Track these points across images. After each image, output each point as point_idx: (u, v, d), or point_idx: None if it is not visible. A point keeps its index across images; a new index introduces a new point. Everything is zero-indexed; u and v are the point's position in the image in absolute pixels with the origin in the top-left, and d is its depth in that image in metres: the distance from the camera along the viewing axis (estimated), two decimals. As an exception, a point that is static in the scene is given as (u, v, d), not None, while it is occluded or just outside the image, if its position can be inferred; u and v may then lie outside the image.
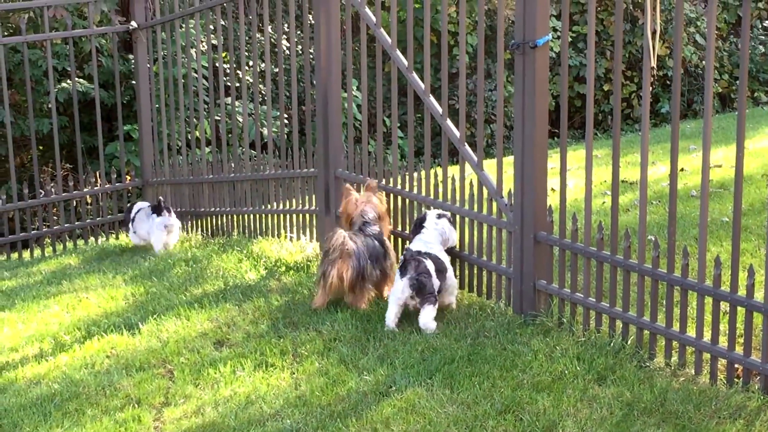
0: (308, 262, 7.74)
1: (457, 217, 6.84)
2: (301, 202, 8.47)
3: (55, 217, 10.34)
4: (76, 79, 11.00)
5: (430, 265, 6.24)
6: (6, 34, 11.25)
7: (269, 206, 8.83)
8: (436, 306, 6.21)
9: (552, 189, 6.27)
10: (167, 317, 6.81)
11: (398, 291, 6.24)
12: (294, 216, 8.55)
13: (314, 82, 8.14)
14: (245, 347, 6.17)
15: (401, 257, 6.41)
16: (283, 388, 5.58)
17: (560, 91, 6.11)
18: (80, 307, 7.35)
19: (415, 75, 7.17)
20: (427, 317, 6.15)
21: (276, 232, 8.73)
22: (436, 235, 6.56)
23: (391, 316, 6.27)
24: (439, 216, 6.63)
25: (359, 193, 7.12)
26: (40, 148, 11.36)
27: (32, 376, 6.06)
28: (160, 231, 9.12)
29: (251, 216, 9.02)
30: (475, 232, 6.72)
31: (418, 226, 6.63)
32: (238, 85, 9.33)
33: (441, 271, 6.33)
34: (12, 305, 7.61)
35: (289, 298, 6.95)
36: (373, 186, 7.12)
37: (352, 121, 7.91)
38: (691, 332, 5.36)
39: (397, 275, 6.34)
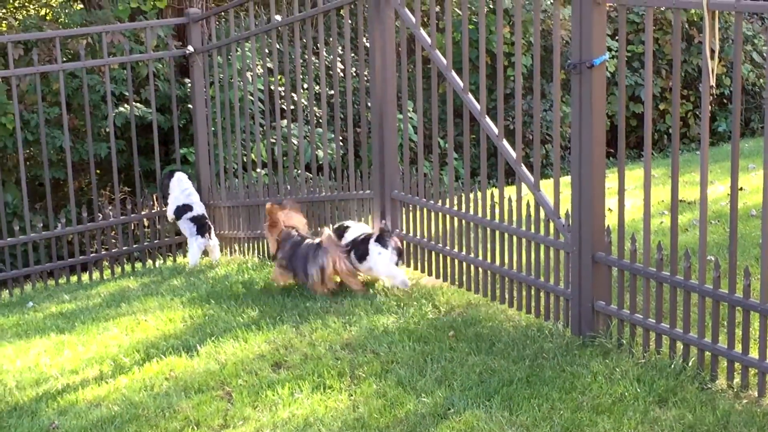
0: (366, 284, 7.74)
1: (514, 237, 6.82)
2: (357, 223, 8.47)
3: (113, 240, 10.44)
4: (134, 103, 11.09)
5: None
6: (65, 59, 11.38)
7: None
8: None
9: (609, 209, 6.25)
10: (225, 339, 6.83)
11: (387, 258, 7.57)
12: (350, 238, 8.55)
13: (369, 103, 8.16)
14: (303, 369, 6.17)
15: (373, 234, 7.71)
16: (341, 411, 5.58)
17: (618, 111, 6.08)
18: (139, 330, 7.39)
19: (470, 96, 7.17)
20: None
21: (332, 254, 8.73)
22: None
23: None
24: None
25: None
26: (98, 171, 11.47)
27: (92, 398, 6.11)
28: (198, 250, 9.56)
29: (307, 238, 9.03)
30: (532, 253, 6.69)
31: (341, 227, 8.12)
32: (293, 107, 9.37)
33: None
34: (72, 328, 7.68)
35: (346, 320, 6.95)
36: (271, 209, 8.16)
37: (407, 143, 7.91)
38: (754, 353, 5.29)
39: (377, 247, 7.59)
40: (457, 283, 7.42)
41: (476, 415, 5.30)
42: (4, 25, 14.73)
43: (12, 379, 6.60)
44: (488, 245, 7.08)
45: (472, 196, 7.24)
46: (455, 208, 7.38)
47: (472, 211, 7.21)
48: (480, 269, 7.18)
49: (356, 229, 8.04)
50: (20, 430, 5.73)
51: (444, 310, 7.04)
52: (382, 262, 7.64)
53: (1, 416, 5.98)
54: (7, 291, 9.72)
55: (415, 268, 7.89)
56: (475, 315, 6.84)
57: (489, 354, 6.17)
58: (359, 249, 7.78)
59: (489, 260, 7.09)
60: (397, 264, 7.65)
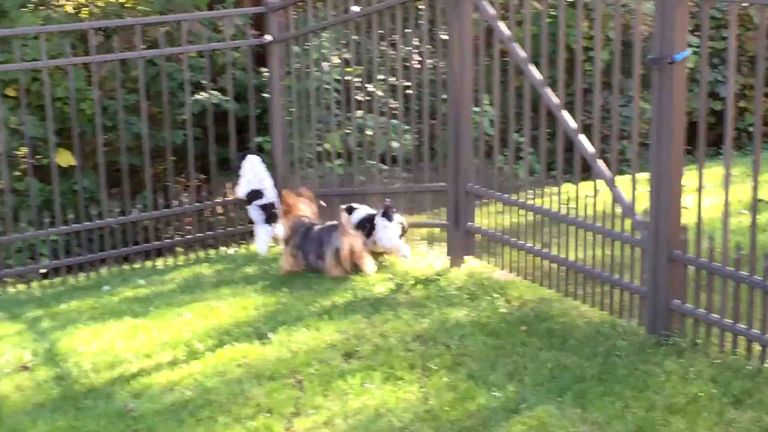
0: (437, 277, 7.73)
1: (589, 233, 6.77)
2: (431, 216, 8.47)
3: (187, 227, 10.53)
4: (211, 91, 11.17)
5: None
6: (144, 47, 11.50)
7: (399, 219, 8.84)
8: None
9: (685, 207, 6.18)
10: (297, 328, 6.87)
11: (391, 230, 8.31)
12: (423, 229, 8.55)
13: (446, 96, 8.15)
14: (374, 360, 6.19)
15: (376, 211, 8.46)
16: (412, 402, 5.59)
17: (699, 107, 6.00)
18: (212, 316, 7.46)
19: (548, 90, 7.12)
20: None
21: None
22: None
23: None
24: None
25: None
26: (174, 158, 11.56)
27: (166, 383, 6.18)
28: (266, 237, 9.55)
29: (380, 229, 9.04)
30: (607, 250, 6.64)
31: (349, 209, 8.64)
32: (368, 98, 9.39)
33: None
34: (146, 312, 7.77)
35: (417, 312, 6.95)
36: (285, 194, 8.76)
37: (483, 136, 7.88)
38: (834, 357, 5.21)
39: (382, 220, 8.32)
40: (530, 277, 7.39)
41: (548, 410, 5.28)
42: (85, 11, 14.93)
43: (88, 361, 6.69)
44: (562, 240, 7.04)
45: (547, 190, 7.20)
46: (530, 202, 7.35)
47: (546, 206, 7.17)
48: (554, 264, 7.14)
49: (362, 210, 8.66)
50: (96, 412, 5.82)
51: (516, 304, 7.02)
52: (386, 235, 8.34)
53: (77, 397, 6.08)
54: (84, 274, 9.86)
55: (488, 262, 7.87)
56: (547, 310, 6.81)
57: (561, 350, 6.14)
58: (366, 227, 8.45)
59: (563, 255, 7.05)
60: (400, 237, 8.34)
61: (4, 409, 6.05)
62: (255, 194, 9.84)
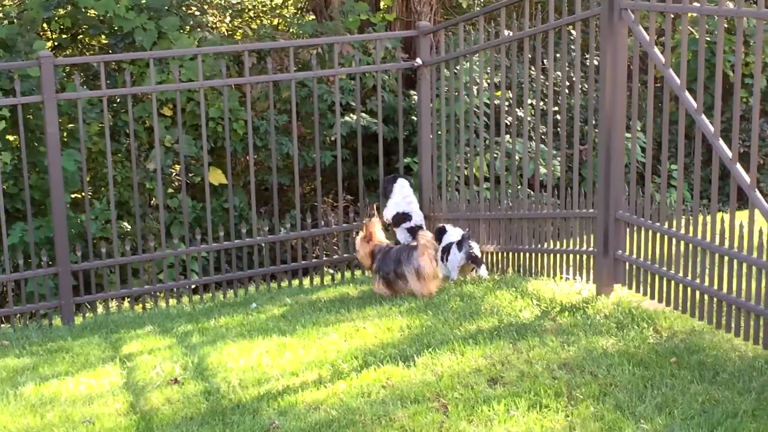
0: (584, 304, 7.63)
1: (744, 264, 6.59)
2: (578, 242, 8.37)
3: (334, 247, 10.64)
4: (360, 113, 11.29)
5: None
6: (296, 69, 11.69)
7: (545, 245, 8.77)
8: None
9: None
10: (442, 351, 6.86)
11: (457, 260, 9.00)
12: (570, 256, 8.45)
13: (596, 121, 8.05)
14: (519, 386, 6.13)
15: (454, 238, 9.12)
16: (557, 431, 5.51)
17: None
18: (357, 336, 7.50)
19: (703, 117, 6.97)
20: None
21: (551, 272, 8.65)
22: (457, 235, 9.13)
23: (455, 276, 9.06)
24: (454, 226, 9.40)
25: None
26: (322, 179, 11.72)
27: (311, 401, 6.23)
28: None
29: (526, 254, 8.98)
30: (763, 282, 6.45)
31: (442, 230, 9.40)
32: (517, 123, 9.34)
33: None
34: (293, 330, 7.85)
35: (564, 339, 6.87)
36: (367, 224, 9.20)
37: (635, 163, 7.76)
38: None
39: (455, 249, 9.03)
40: (680, 308, 7.22)
41: (698, 445, 5.15)
42: (239, 33, 15.27)
43: (235, 377, 6.80)
44: (716, 271, 6.86)
45: (700, 219, 7.04)
46: (682, 231, 7.19)
47: (700, 236, 7.01)
48: (706, 295, 6.97)
49: (453, 235, 9.24)
50: (242, 428, 5.90)
51: (666, 335, 6.87)
52: (452, 262, 9.09)
53: (224, 412, 6.17)
54: (232, 291, 10.04)
55: (637, 291, 7.73)
56: (698, 342, 6.64)
57: (712, 383, 5.99)
58: (446, 252, 9.17)
59: (716, 287, 6.87)
60: (473, 266, 9.07)
61: (154, 421, 6.18)
62: (402, 217, 9.91)
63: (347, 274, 10.45)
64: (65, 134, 11.66)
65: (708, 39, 10.80)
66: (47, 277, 9.62)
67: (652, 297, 7.54)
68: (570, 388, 6.04)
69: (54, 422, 6.27)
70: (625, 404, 5.76)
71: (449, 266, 9.15)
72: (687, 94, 7.10)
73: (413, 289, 8.66)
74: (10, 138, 11.00)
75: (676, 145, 7.35)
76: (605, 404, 5.79)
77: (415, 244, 8.79)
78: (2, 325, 9.64)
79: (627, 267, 7.83)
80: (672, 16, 7.36)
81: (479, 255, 9.12)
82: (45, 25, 13.24)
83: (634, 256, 7.73)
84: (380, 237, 9.20)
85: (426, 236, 8.77)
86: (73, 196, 11.59)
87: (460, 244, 9.04)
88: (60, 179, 9.33)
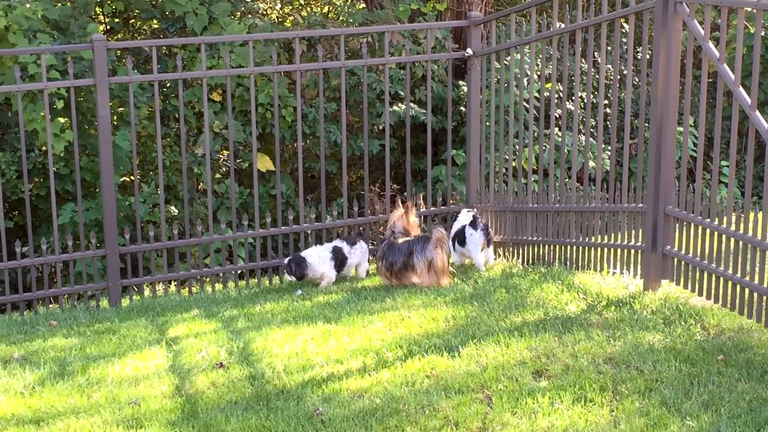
0: (631, 299, 7.58)
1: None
2: (626, 237, 8.32)
3: (380, 236, 10.64)
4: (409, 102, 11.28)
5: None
6: (346, 57, 11.69)
7: (592, 239, 8.72)
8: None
9: None
10: (487, 342, 6.85)
11: (477, 239, 9.27)
12: (617, 251, 8.40)
13: (648, 115, 8.00)
14: (564, 380, 6.12)
15: (466, 221, 9.47)
16: (601, 425, 5.50)
17: None
18: (402, 326, 7.51)
19: (758, 114, 6.89)
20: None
21: (598, 266, 8.61)
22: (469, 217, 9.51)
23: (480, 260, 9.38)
24: (468, 211, 9.70)
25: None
26: (369, 168, 11.72)
27: (356, 389, 6.24)
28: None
29: (573, 248, 8.94)
30: (814, 281, 6.38)
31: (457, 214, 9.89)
32: (567, 115, 9.28)
33: None
34: (338, 318, 7.87)
35: (610, 334, 6.83)
36: (408, 206, 9.44)
37: (686, 158, 7.70)
38: None
39: (470, 229, 9.32)
40: (729, 305, 7.16)
41: (745, 444, 5.11)
42: (289, 21, 15.30)
43: (280, 363, 6.83)
44: (766, 268, 6.79)
45: (751, 216, 6.97)
46: (732, 228, 7.13)
47: (750, 233, 6.94)
48: (755, 293, 6.89)
49: (462, 217, 9.65)
50: (287, 413, 5.92)
51: (713, 332, 6.82)
52: (473, 242, 9.30)
53: (269, 398, 6.21)
54: (278, 277, 10.08)
55: (685, 287, 7.67)
56: (746, 340, 6.59)
57: (760, 382, 5.94)
58: (459, 236, 9.45)
59: (765, 285, 6.80)
60: (488, 244, 9.36)
61: (199, 404, 6.22)
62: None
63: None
64: (116, 118, 11.74)
65: (764, 34, 10.68)
66: (95, 259, 9.70)
67: (700, 293, 7.48)
68: (615, 383, 6.01)
69: (100, 403, 6.33)
70: (671, 401, 5.72)
71: (469, 247, 9.41)
72: (741, 89, 7.03)
73: (421, 282, 8.94)
74: (62, 120, 11.08)
75: (728, 142, 7.29)
76: (650, 400, 5.76)
77: (428, 236, 9.03)
78: (51, 306, 9.74)
79: (675, 263, 7.77)
80: (727, 10, 7.27)
81: (492, 236, 9.53)
82: (98, 8, 13.34)
83: (683, 251, 7.67)
84: (413, 221, 9.44)
85: (440, 230, 9.08)
86: (122, 179, 11.68)
87: (473, 223, 9.37)
88: (110, 162, 9.40)
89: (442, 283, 8.87)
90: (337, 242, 9.66)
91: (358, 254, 9.70)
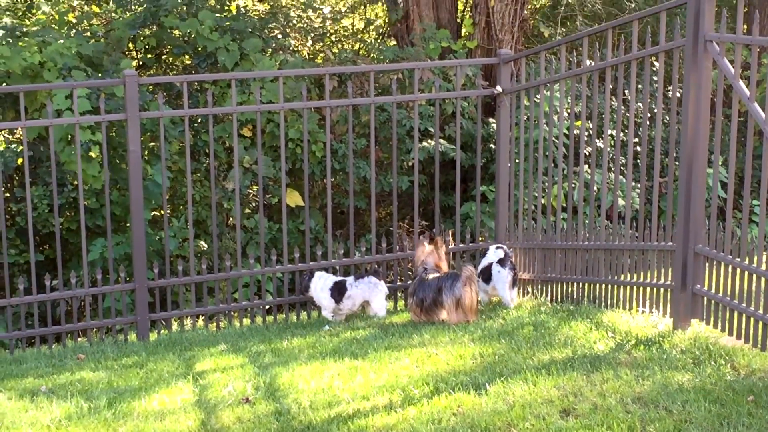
0: (660, 338, 7.52)
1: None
2: (655, 275, 8.27)
3: (409, 272, 10.62)
4: (438, 139, 11.29)
5: None
6: (376, 93, 11.74)
7: (621, 277, 8.68)
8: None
9: None
10: (514, 380, 6.80)
11: (504, 277, 9.29)
12: (647, 289, 8.35)
13: (678, 154, 7.97)
14: (591, 419, 6.06)
15: (495, 258, 9.49)
16: (629, 466, 5.44)
17: None
18: (429, 362, 7.47)
19: (788, 152, 6.85)
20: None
21: (627, 305, 8.56)
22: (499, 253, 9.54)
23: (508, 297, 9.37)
24: (498, 248, 9.65)
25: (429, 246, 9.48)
26: (397, 204, 11.74)
27: (381, 426, 6.21)
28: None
29: (602, 286, 8.90)
30: None
31: (485, 251, 9.86)
32: (596, 153, 9.26)
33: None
34: (365, 354, 7.85)
35: (638, 373, 6.77)
36: (438, 241, 9.48)
37: (716, 197, 7.65)
38: None
39: (497, 266, 9.36)
40: (759, 345, 7.09)
41: (775, 487, 5.04)
42: (320, 57, 15.39)
43: (306, 398, 6.81)
44: (797, 309, 6.73)
45: (782, 256, 6.92)
46: (763, 267, 7.07)
47: (781, 272, 6.88)
48: (786, 334, 6.83)
49: (491, 254, 9.65)
50: (312, 449, 5.90)
51: (743, 372, 6.74)
52: (500, 279, 9.33)
53: (295, 433, 6.19)
54: (306, 313, 10.08)
55: (715, 326, 7.61)
56: (777, 381, 6.51)
57: (791, 424, 5.86)
58: (486, 273, 9.47)
59: (796, 325, 6.74)
60: (513, 282, 9.38)
61: (225, 440, 6.21)
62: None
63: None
64: (147, 152, 11.81)
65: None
66: (124, 293, 9.74)
67: (731, 333, 7.41)
68: (644, 423, 5.95)
69: (126, 437, 6.33)
70: (700, 441, 5.66)
71: (497, 285, 9.44)
72: (772, 128, 6.99)
73: (449, 319, 8.93)
74: (93, 155, 11.17)
75: (759, 180, 7.24)
76: (679, 440, 5.70)
77: (457, 273, 9.02)
78: (79, 339, 9.77)
79: (705, 302, 7.72)
80: (758, 49, 7.25)
81: (517, 275, 9.57)
82: (131, 44, 13.46)
83: (713, 291, 7.62)
84: (441, 257, 9.47)
85: (470, 268, 9.03)
86: (152, 213, 11.73)
87: (502, 261, 9.40)
88: (140, 196, 9.46)
89: (470, 320, 8.84)
90: (350, 278, 9.68)
91: (363, 289, 9.63)
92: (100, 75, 11.77)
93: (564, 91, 9.57)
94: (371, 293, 9.60)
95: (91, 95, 11.10)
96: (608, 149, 8.98)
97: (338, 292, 9.60)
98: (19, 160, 11.74)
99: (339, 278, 9.72)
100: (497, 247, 9.72)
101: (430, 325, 8.85)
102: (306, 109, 10.20)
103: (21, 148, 11.44)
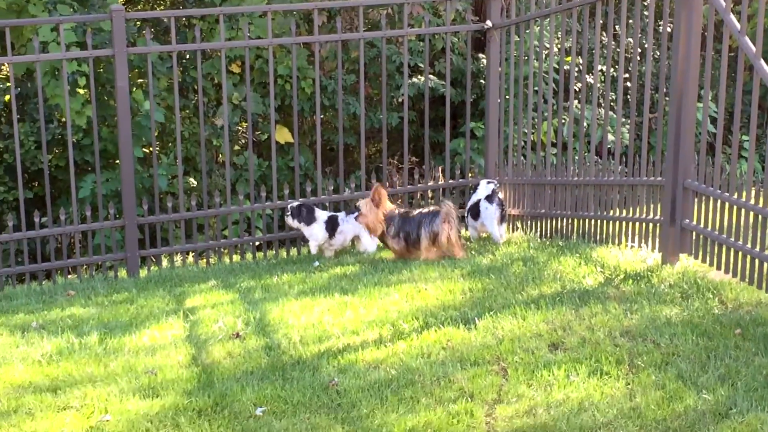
0: (649, 273, 7.56)
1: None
2: (644, 210, 8.28)
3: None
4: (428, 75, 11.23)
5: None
6: (365, 29, 11.66)
7: (611, 212, 8.70)
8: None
9: None
10: (503, 315, 6.84)
11: (492, 213, 9.38)
12: (636, 224, 8.38)
13: (668, 89, 7.94)
14: (580, 352, 6.10)
15: (483, 194, 9.58)
16: (617, 398, 5.48)
17: None
18: (419, 298, 7.50)
19: (778, 87, 6.84)
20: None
21: (616, 240, 8.58)
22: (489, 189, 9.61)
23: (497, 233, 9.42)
24: (489, 182, 9.75)
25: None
26: (387, 140, 11.70)
27: (371, 360, 6.25)
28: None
29: (591, 221, 8.92)
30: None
31: (476, 186, 9.92)
32: (587, 89, 9.22)
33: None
34: (355, 289, 7.88)
35: (627, 307, 6.81)
36: (380, 192, 9.21)
37: (705, 132, 7.64)
38: None
39: (485, 202, 9.45)
40: (747, 279, 7.12)
41: (760, 417, 5.09)
42: (308, -8, 15.26)
43: (296, 333, 6.84)
44: (785, 244, 6.76)
45: (770, 191, 6.92)
46: (752, 202, 7.09)
47: (769, 207, 6.89)
48: (774, 268, 6.86)
49: (481, 190, 9.71)
50: (302, 383, 5.93)
51: (731, 306, 6.79)
52: (488, 216, 9.42)
53: (285, 368, 6.21)
54: (296, 249, 10.09)
55: (703, 261, 7.64)
56: (764, 314, 6.56)
57: (777, 356, 5.91)
58: (474, 209, 9.60)
59: (785, 260, 6.77)
60: (502, 218, 9.44)
61: (215, 374, 6.24)
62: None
63: (411, 235, 10.45)
64: (135, 89, 11.74)
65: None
66: (114, 230, 9.73)
67: (719, 268, 7.45)
68: (631, 356, 5.99)
69: (117, 372, 6.36)
70: (687, 374, 5.70)
71: (485, 221, 9.53)
72: (762, 63, 6.97)
73: (425, 256, 8.94)
74: (81, 91, 11.10)
75: (749, 116, 7.23)
76: (667, 373, 5.73)
77: (438, 210, 9.02)
78: (69, 276, 9.78)
79: (694, 236, 7.74)
80: (749, -18, 7.20)
81: (506, 212, 9.61)
82: (118, -21, 13.33)
83: (702, 225, 7.64)
84: (389, 203, 9.32)
85: (448, 204, 9.06)
86: (143, 150, 11.69)
87: (490, 197, 9.48)
88: (129, 133, 9.41)
89: (458, 256, 8.85)
90: (341, 213, 9.67)
91: (354, 225, 9.59)
92: (86, 10, 11.65)
93: (554, 26, 9.52)
94: (362, 229, 9.59)
95: (77, 29, 11.00)
96: (598, 85, 8.95)
97: (331, 226, 9.61)
98: (6, 97, 11.66)
99: (331, 213, 9.72)
100: (488, 182, 9.76)
101: (419, 261, 8.87)
102: (295, 44, 10.12)
103: (8, 84, 11.35)
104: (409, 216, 9.18)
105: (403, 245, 9.13)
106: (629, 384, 5.65)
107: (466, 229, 9.87)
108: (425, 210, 9.20)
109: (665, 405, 5.33)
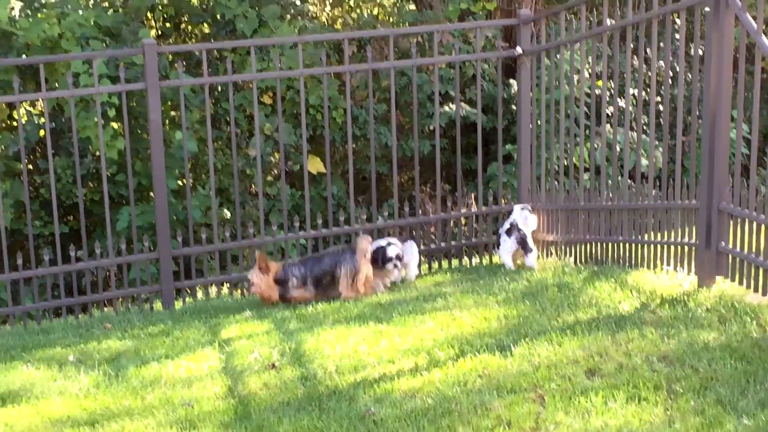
0: (685, 297, 7.49)
1: None
2: (679, 234, 8.23)
3: (432, 236, 10.62)
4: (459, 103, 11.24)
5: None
6: (395, 58, 11.69)
7: (645, 237, 8.65)
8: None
9: None
10: (539, 341, 6.80)
11: (508, 247, 9.48)
12: (671, 248, 8.32)
13: (700, 112, 7.91)
14: (617, 378, 6.05)
15: (519, 218, 9.65)
16: (656, 425, 5.43)
17: None
18: (454, 325, 7.48)
19: (812, 107, 6.79)
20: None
21: (651, 264, 8.53)
22: (521, 219, 9.65)
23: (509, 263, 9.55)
24: (523, 208, 9.73)
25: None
26: (420, 168, 11.71)
27: (407, 389, 6.23)
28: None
29: (626, 245, 8.87)
30: None
31: (509, 212, 9.92)
32: (619, 113, 9.20)
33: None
34: (390, 318, 7.87)
35: (664, 332, 6.76)
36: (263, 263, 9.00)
37: (740, 154, 7.60)
38: None
39: (504, 236, 9.55)
40: (785, 303, 7.06)
41: (802, 442, 5.03)
42: (339, 23, 15.34)
43: (332, 363, 6.84)
44: (823, 265, 6.69)
45: (807, 212, 6.87)
46: (788, 224, 7.03)
47: (806, 229, 6.84)
48: (812, 290, 6.80)
49: (515, 214, 9.76)
50: (339, 414, 5.92)
51: (770, 329, 6.73)
52: (504, 249, 9.57)
53: (321, 398, 6.21)
54: (329, 278, 10.10)
55: (740, 284, 7.57)
56: (803, 338, 6.49)
57: (817, 380, 5.84)
58: (498, 239, 9.72)
59: (823, 281, 6.70)
60: (526, 251, 9.45)
61: (252, 405, 6.24)
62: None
63: (444, 263, 10.44)
64: (168, 121, 11.83)
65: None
66: (149, 262, 9.77)
67: (756, 290, 7.38)
68: (669, 382, 5.94)
69: (154, 404, 6.38)
70: (727, 399, 5.64)
71: (501, 253, 9.69)
72: (795, 83, 6.94)
73: (342, 294, 8.96)
74: (115, 126, 11.19)
75: (783, 137, 7.19)
76: (706, 398, 5.68)
77: (345, 247, 9.18)
78: (105, 309, 9.83)
79: (730, 259, 7.68)
80: (780, 3, 7.18)
81: (529, 242, 9.51)
82: (149, 13, 13.45)
83: (738, 248, 7.58)
84: (272, 263, 9.17)
85: (366, 239, 9.09)
86: (177, 182, 11.76)
87: (509, 231, 9.55)
88: (162, 166, 9.47)
89: (368, 294, 8.98)
90: (384, 240, 9.60)
91: (406, 253, 9.58)
92: (118, 45, 11.76)
93: (585, 51, 9.51)
94: (410, 257, 9.58)
95: (109, 63, 11.10)
96: (630, 109, 8.92)
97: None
98: (41, 132, 11.77)
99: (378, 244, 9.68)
100: (522, 207, 9.77)
101: (454, 287, 8.85)
102: (326, 74, 10.16)
103: (43, 120, 11.46)
104: (315, 259, 9.21)
105: (314, 291, 9.09)
106: (668, 410, 5.60)
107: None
108: (331, 250, 9.37)
109: (705, 431, 5.28)
